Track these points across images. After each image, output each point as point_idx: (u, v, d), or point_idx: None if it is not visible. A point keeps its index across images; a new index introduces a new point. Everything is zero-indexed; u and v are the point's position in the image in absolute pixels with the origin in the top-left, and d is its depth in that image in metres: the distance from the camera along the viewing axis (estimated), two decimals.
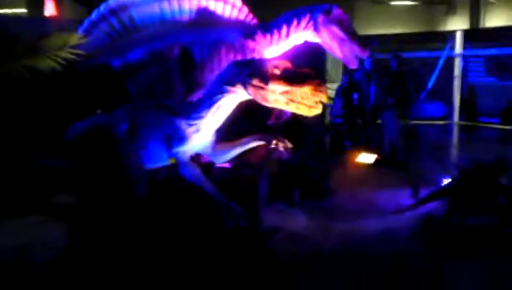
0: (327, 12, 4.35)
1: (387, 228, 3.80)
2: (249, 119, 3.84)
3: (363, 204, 4.47)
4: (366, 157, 6.23)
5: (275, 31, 4.31)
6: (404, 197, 4.51)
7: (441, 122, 10.96)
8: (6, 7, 9.25)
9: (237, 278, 2.81)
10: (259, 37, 4.25)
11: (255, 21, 4.40)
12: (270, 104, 2.87)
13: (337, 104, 7.35)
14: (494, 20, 11.28)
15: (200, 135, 3.15)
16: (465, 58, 11.07)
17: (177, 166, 3.11)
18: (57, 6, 9.46)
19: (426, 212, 4.09)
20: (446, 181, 4.49)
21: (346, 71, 7.51)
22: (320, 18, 4.33)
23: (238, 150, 3.35)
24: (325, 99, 2.77)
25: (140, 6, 3.93)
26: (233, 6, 4.21)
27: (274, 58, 3.05)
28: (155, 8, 3.96)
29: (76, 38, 3.43)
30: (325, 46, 4.49)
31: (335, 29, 4.37)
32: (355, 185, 5.05)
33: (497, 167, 3.99)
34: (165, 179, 3.22)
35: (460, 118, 11.02)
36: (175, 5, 4.01)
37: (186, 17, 4.05)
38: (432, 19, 12.21)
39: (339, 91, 7.37)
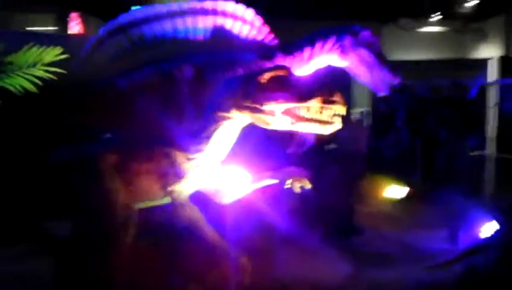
0: (355, 34, 3.98)
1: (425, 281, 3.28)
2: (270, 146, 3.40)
3: (395, 246, 3.97)
4: (397, 191, 5.72)
5: (297, 53, 3.94)
6: (441, 240, 4.00)
7: (473, 153, 10.35)
8: (37, 25, 9.28)
9: None
10: (278, 59, 3.87)
11: (275, 42, 4.03)
12: (275, 127, 2.40)
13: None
14: None
15: (200, 170, 2.70)
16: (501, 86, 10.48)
17: (172, 207, 2.67)
18: (83, 24, 9.50)
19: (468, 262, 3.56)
20: (488, 225, 3.98)
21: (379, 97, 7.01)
22: (348, 40, 3.96)
23: (248, 189, 2.89)
24: (342, 111, 2.24)
25: (151, 23, 3.62)
26: (251, 25, 3.85)
27: (269, 69, 2.53)
28: (167, 26, 3.64)
29: (52, 54, 2.93)
30: (352, 71, 4.10)
31: (363, 52, 3.99)
32: (385, 222, 4.59)
33: None
34: (159, 221, 2.77)
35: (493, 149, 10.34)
36: (189, 23, 3.68)
37: (200, 36, 3.71)
38: (463, 46, 11.75)
39: (377, 117, 6.88)
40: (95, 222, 2.60)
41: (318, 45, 3.98)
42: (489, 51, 11.19)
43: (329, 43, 4.00)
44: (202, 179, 2.77)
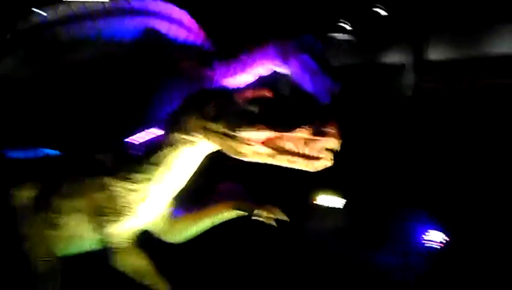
0: (298, 40, 3.78)
1: None
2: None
3: None
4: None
5: (238, 59, 3.65)
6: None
7: None
8: None
9: None
10: (218, 65, 3.53)
11: (213, 47, 3.67)
12: (248, 158, 1.89)
13: None
14: None
15: (148, 205, 2.16)
16: None
17: (111, 254, 2.09)
18: None
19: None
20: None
21: None
22: (290, 46, 3.74)
23: (206, 225, 2.40)
24: (335, 145, 1.76)
25: (69, 25, 3.07)
26: (188, 30, 3.45)
27: (245, 87, 2.12)
28: (87, 27, 3.11)
29: None
30: (295, 78, 3.86)
31: (306, 59, 3.78)
32: None
33: None
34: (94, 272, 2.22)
35: None
36: (115, 25, 3.18)
37: (131, 39, 3.23)
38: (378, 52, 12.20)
39: None
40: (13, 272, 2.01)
41: (258, 52, 3.75)
42: (402, 57, 11.74)
43: (271, 49, 3.79)
44: (150, 216, 2.23)
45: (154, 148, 2.10)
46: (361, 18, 11.33)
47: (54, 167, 2.24)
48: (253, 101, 1.85)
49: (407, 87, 11.02)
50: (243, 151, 1.83)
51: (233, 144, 1.83)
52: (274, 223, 2.39)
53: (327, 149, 1.76)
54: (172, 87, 3.17)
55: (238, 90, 2.02)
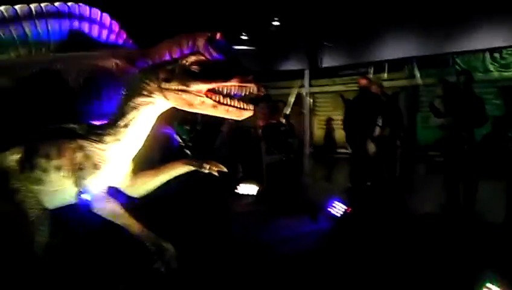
0: (210, 40, 4.14)
1: None
2: None
3: None
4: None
5: (157, 58, 3.93)
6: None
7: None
8: None
9: None
10: (141, 63, 3.80)
11: (134, 47, 3.94)
12: (196, 108, 2.44)
13: None
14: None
15: (116, 162, 2.59)
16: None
17: (90, 203, 2.52)
18: None
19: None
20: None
21: None
22: (203, 46, 4.11)
23: (162, 180, 2.83)
24: (256, 90, 2.39)
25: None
26: (110, 30, 3.70)
27: (187, 55, 2.62)
28: (13, 30, 3.24)
29: None
30: None
31: (219, 57, 4.18)
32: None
33: None
34: (77, 218, 2.53)
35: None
36: (39, 27, 3.34)
37: (56, 40, 3.40)
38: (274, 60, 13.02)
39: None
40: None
41: (175, 50, 4.04)
42: (299, 64, 12.67)
43: (185, 49, 4.09)
44: (117, 172, 2.65)
45: (119, 115, 2.55)
46: (260, 30, 12.07)
47: (35, 135, 2.55)
48: (194, 63, 2.43)
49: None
50: (194, 102, 2.37)
51: (186, 96, 2.37)
52: (216, 174, 2.94)
53: (250, 102, 2.38)
54: (100, 86, 3.41)
55: (180, 57, 2.61)
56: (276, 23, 11.75)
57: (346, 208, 4.86)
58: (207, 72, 2.39)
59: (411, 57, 10.14)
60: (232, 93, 2.35)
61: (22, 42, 3.29)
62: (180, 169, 2.88)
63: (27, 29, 3.28)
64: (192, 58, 2.46)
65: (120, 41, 3.79)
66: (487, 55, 9.09)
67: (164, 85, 2.42)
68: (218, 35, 4.13)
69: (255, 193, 6.13)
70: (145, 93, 2.49)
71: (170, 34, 4.14)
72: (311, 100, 12.23)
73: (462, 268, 3.41)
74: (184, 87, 2.37)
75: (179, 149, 4.78)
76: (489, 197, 5.28)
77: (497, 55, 9.01)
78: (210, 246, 3.63)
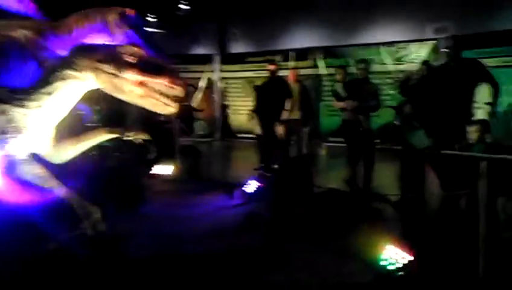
0: (121, 15, 4.08)
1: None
2: None
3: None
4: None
5: (66, 31, 3.80)
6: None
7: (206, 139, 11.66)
8: None
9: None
10: (50, 35, 3.66)
11: (44, 18, 3.77)
12: (123, 95, 2.48)
13: None
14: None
15: (38, 127, 2.59)
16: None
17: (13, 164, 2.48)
18: None
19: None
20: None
21: None
22: (113, 20, 4.04)
23: (84, 146, 2.89)
24: (182, 93, 2.48)
25: None
26: (20, 1, 3.51)
27: (128, 46, 2.66)
28: None
29: None
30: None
31: (131, 34, 4.13)
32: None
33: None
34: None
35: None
36: None
37: None
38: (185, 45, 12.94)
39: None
40: None
41: (84, 24, 3.93)
42: (209, 49, 12.72)
43: (95, 23, 4.00)
44: (38, 137, 2.66)
45: (46, 81, 2.56)
46: (169, 13, 11.90)
47: None
48: (130, 54, 2.52)
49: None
50: (123, 88, 2.43)
51: (117, 81, 2.43)
52: (141, 141, 3.05)
53: (175, 99, 2.47)
54: (7, 55, 3.24)
55: (120, 46, 2.67)
56: (185, 6, 11.61)
57: (259, 185, 5.12)
58: (140, 65, 2.45)
59: (316, 47, 10.67)
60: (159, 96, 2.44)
61: None
62: (102, 136, 2.93)
63: None
64: (130, 49, 2.55)
65: (30, 12, 3.61)
66: (384, 48, 9.87)
67: (98, 65, 2.47)
68: (130, 11, 4.13)
69: (170, 173, 6.16)
70: (76, 68, 2.53)
71: (82, 7, 4.04)
72: (222, 85, 12.35)
73: (364, 234, 3.80)
74: (117, 72, 2.42)
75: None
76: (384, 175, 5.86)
77: (392, 48, 9.83)
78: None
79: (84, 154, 3.05)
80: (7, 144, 2.48)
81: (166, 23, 12.15)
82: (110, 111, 6.35)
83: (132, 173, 4.84)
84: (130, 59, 2.47)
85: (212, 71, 12.33)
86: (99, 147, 4.62)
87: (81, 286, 2.53)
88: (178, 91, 2.45)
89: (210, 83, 12.28)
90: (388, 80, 9.29)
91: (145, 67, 2.44)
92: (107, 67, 2.45)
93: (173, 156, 6.95)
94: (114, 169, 4.42)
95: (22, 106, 2.53)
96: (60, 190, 2.59)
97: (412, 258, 3.27)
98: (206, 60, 12.36)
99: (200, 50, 12.78)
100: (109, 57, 2.50)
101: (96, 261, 2.57)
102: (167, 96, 2.45)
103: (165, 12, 11.89)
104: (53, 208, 2.46)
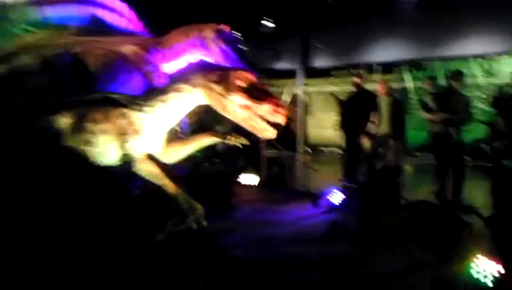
0: (217, 31, 4.37)
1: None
2: None
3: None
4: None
5: (167, 46, 4.17)
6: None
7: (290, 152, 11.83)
8: None
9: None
10: (153, 50, 4.05)
11: (149, 35, 4.19)
12: (228, 114, 2.74)
13: None
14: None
15: (153, 130, 2.96)
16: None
17: (131, 163, 2.84)
18: None
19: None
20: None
21: None
22: (210, 36, 4.33)
23: (191, 149, 3.26)
24: (282, 122, 2.64)
25: (17, 9, 3.40)
26: (128, 20, 3.95)
27: (240, 69, 2.91)
28: (37, 12, 3.47)
29: None
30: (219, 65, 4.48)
31: (226, 49, 4.40)
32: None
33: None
34: (119, 177, 2.80)
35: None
36: (60, 11, 3.58)
37: (75, 24, 3.63)
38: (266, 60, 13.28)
39: None
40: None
41: (183, 40, 4.27)
42: (292, 63, 12.93)
43: (193, 39, 4.32)
44: (153, 139, 3.02)
45: (162, 92, 2.93)
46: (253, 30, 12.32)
47: (84, 103, 2.94)
48: (240, 78, 2.71)
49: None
50: (228, 108, 2.68)
51: (224, 101, 2.68)
52: (240, 146, 3.41)
53: (275, 125, 2.66)
54: (117, 69, 3.65)
55: (234, 70, 2.89)
56: (269, 24, 11.94)
57: (343, 195, 5.18)
58: (247, 89, 2.66)
59: (401, 61, 10.47)
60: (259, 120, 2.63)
61: (44, 24, 3.50)
62: (206, 140, 3.21)
63: (50, 13, 3.50)
64: (242, 74, 2.75)
65: (136, 30, 4.03)
66: (474, 60, 9.44)
67: (210, 85, 2.73)
68: (225, 27, 4.42)
69: (255, 183, 6.41)
70: (191, 83, 2.83)
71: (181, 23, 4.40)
72: (305, 99, 12.46)
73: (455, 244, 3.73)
74: (225, 94, 2.66)
75: None
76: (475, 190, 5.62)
77: (482, 61, 9.37)
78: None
79: (183, 161, 3.37)
80: (127, 143, 2.84)
81: (250, 38, 12.61)
82: (200, 124, 6.78)
83: (223, 180, 5.15)
84: (240, 83, 2.68)
85: (295, 85, 12.51)
86: (193, 156, 5.01)
87: (187, 274, 2.77)
88: (279, 118, 2.63)
89: (293, 97, 12.46)
90: (478, 93, 8.86)
91: (252, 92, 2.65)
92: (217, 88, 2.70)
93: (258, 167, 7.21)
94: (207, 176, 4.74)
95: (140, 110, 2.88)
96: (171, 187, 2.87)
97: (503, 271, 3.18)
98: (289, 74, 12.57)
99: (283, 65, 13.05)
100: (221, 78, 2.73)
101: (199, 253, 2.81)
102: (268, 121, 2.64)
103: (250, 29, 12.35)
104: (164, 203, 2.75)
